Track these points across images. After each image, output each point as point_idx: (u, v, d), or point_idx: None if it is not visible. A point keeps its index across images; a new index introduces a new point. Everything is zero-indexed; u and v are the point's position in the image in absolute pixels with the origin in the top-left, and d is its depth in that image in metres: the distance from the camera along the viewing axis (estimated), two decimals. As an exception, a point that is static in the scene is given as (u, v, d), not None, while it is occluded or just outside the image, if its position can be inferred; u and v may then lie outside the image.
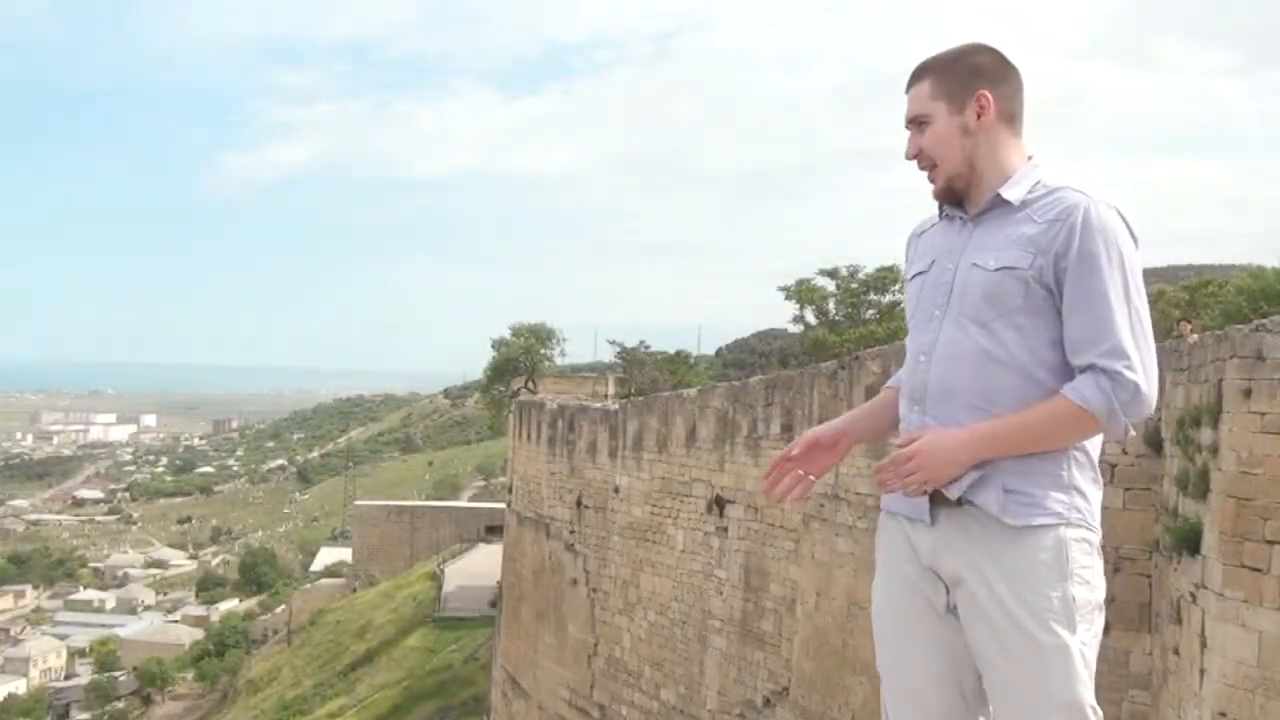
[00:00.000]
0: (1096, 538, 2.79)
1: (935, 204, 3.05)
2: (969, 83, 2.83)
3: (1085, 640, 2.71)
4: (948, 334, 2.79)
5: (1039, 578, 2.69)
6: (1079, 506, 2.75)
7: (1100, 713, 2.76)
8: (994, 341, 2.73)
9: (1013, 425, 2.68)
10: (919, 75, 2.90)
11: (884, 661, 2.95)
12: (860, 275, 41.91)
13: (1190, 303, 32.88)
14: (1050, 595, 2.69)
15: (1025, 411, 2.70)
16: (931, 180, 2.89)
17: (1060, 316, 2.72)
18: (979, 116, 2.82)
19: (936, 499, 2.77)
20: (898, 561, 2.90)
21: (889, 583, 2.93)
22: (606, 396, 42.40)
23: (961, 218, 2.90)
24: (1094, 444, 2.81)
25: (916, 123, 2.88)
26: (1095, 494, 2.81)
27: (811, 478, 2.95)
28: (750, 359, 73.69)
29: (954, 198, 2.89)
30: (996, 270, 2.74)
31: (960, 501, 2.74)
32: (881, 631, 2.95)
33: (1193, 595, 10.85)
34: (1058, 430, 2.69)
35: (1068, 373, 2.73)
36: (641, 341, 54.29)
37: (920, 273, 2.94)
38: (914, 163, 2.93)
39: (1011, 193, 2.79)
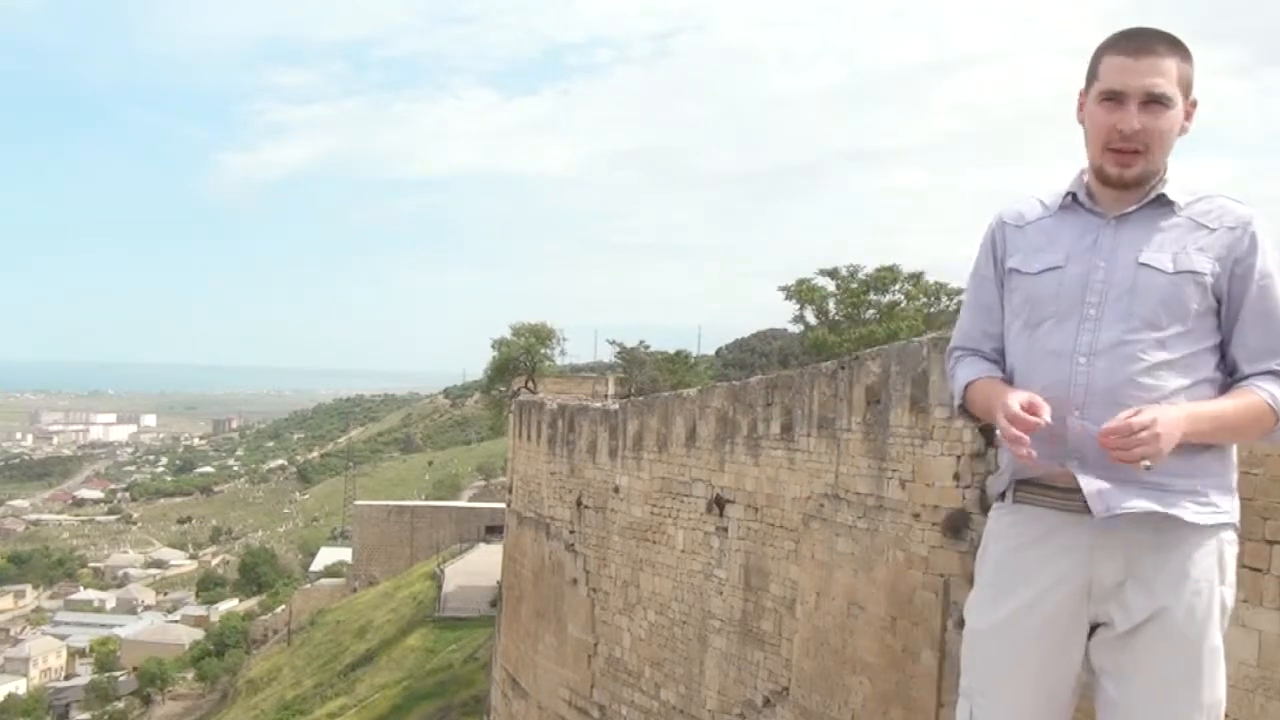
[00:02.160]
0: (1238, 539, 2.78)
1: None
2: (1193, 81, 2.68)
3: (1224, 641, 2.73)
4: (1112, 335, 2.64)
5: (1203, 581, 2.66)
6: (1234, 507, 2.73)
7: None
8: (1168, 345, 2.63)
9: (1216, 413, 2.59)
10: (1165, 48, 2.64)
11: (983, 685, 2.84)
12: (860, 275, 41.90)
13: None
14: (1211, 599, 2.67)
15: (1220, 401, 2.62)
16: (1121, 164, 2.66)
17: (1219, 322, 2.67)
18: (1185, 119, 2.69)
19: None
20: (1022, 583, 2.76)
21: (1006, 607, 2.78)
22: (606, 396, 42.40)
23: (1096, 212, 2.74)
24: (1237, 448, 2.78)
25: (1153, 99, 2.62)
26: (1237, 495, 2.79)
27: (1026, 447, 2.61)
28: (750, 359, 73.63)
29: (1127, 190, 2.70)
30: (1177, 274, 2.63)
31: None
32: (986, 656, 2.83)
33: (1193, 595, 10.85)
34: (1247, 425, 2.63)
35: (1221, 379, 2.68)
36: (641, 341, 54.32)
37: (1055, 266, 2.73)
38: (1108, 135, 2.64)
39: (1173, 193, 2.69)
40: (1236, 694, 9.93)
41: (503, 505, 40.46)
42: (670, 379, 48.12)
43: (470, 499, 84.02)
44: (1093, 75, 2.70)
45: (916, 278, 41.98)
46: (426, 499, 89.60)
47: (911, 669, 17.02)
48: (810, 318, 43.26)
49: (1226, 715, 2.72)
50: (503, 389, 49.10)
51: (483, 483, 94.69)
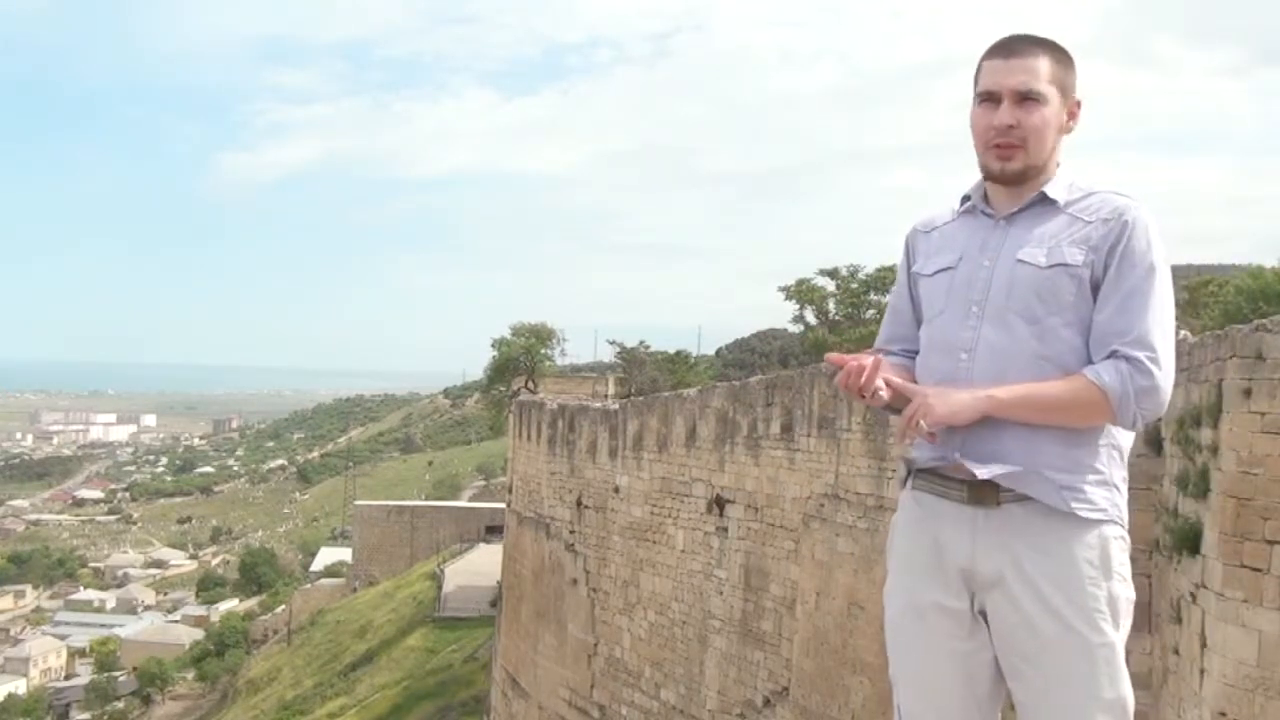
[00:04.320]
0: (1128, 535, 2.80)
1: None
2: (1074, 83, 2.81)
3: (1123, 638, 2.74)
4: (992, 331, 2.74)
5: (1086, 576, 2.69)
6: (1118, 503, 2.76)
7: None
8: (1044, 340, 2.71)
9: (1027, 391, 2.66)
10: (1036, 50, 2.77)
11: (902, 671, 2.92)
12: (860, 275, 41.91)
13: (1190, 303, 32.91)
14: (1097, 594, 2.70)
15: (1040, 382, 2.67)
16: (1003, 158, 2.77)
17: None
18: (1069, 119, 2.81)
19: (977, 498, 2.74)
20: (921, 568, 2.85)
21: (911, 592, 2.87)
22: (606, 396, 42.37)
23: (987, 213, 2.86)
24: (1127, 441, 2.80)
25: (1024, 97, 2.73)
26: (1126, 492, 2.81)
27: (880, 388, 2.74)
28: (750, 359, 73.59)
29: (1012, 184, 2.81)
30: (1050, 267, 2.71)
31: (1000, 501, 2.71)
32: (900, 642, 2.91)
33: (1193, 595, 10.84)
34: (1068, 405, 2.66)
35: None
36: (641, 341, 54.19)
37: (947, 268, 2.87)
38: (987, 134, 2.77)
39: (1055, 191, 2.78)
40: (1236, 694, 9.92)
41: (503, 505, 40.46)
42: (670, 379, 48.06)
43: (470, 499, 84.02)
44: (975, 83, 2.83)
45: (916, 278, 41.87)
46: (426, 499, 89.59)
47: (911, 669, 17.00)
48: (810, 318, 43.27)
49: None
50: (503, 389, 49.06)
51: (483, 483, 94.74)
